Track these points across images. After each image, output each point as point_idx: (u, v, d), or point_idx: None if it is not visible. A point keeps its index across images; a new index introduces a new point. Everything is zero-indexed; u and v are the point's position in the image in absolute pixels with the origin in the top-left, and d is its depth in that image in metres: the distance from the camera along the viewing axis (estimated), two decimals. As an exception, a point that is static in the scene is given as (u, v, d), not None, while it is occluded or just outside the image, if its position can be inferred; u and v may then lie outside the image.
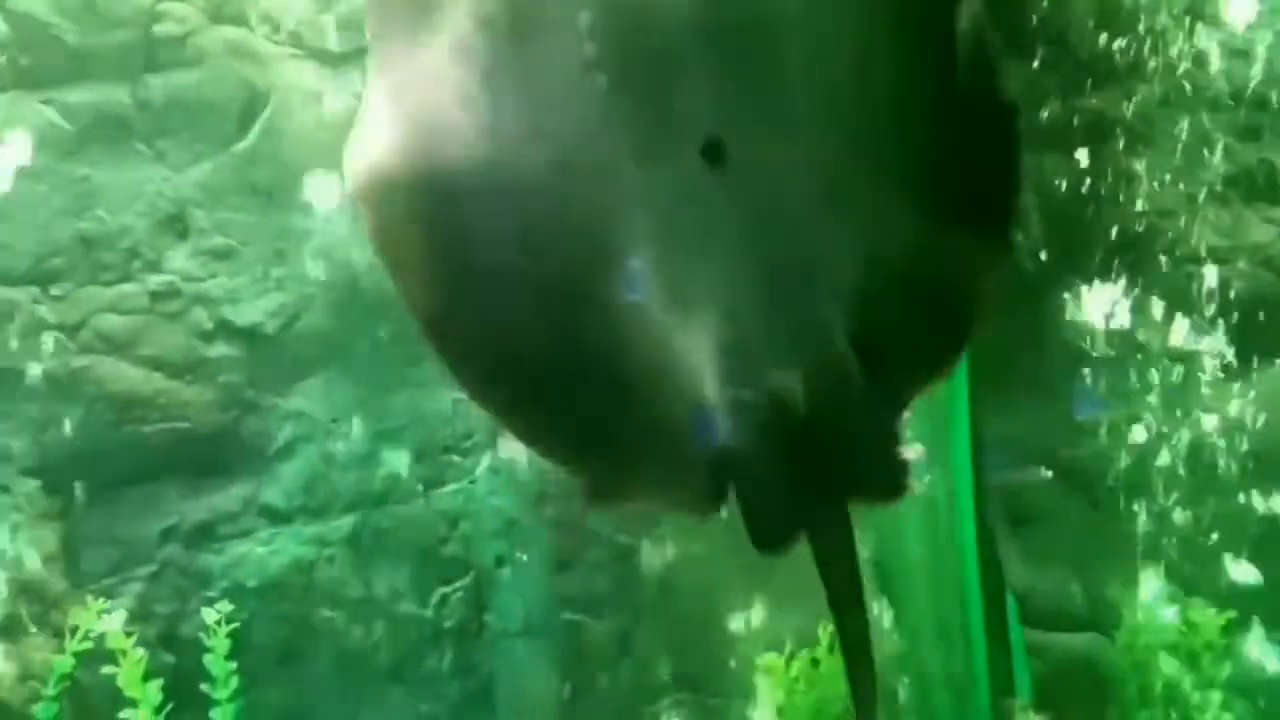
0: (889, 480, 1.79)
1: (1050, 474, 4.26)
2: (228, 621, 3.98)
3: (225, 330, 4.55)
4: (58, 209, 4.42)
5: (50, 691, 3.99)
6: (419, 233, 1.57)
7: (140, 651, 3.90)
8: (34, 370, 4.35)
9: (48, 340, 4.37)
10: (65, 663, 3.98)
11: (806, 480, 1.76)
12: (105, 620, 3.97)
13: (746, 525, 1.85)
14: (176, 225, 4.56)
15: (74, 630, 4.08)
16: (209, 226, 4.57)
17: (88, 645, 3.98)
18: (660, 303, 1.60)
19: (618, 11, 1.44)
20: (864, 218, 1.60)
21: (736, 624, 4.44)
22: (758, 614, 4.46)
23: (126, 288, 4.50)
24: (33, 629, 4.33)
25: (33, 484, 4.37)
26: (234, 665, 3.98)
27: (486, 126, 1.55)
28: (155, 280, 4.51)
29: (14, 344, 4.38)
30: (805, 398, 1.68)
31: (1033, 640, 4.33)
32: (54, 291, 4.42)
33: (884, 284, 1.64)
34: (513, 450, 4.59)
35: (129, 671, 3.85)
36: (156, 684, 3.90)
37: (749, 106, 1.49)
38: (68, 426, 4.37)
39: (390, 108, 1.55)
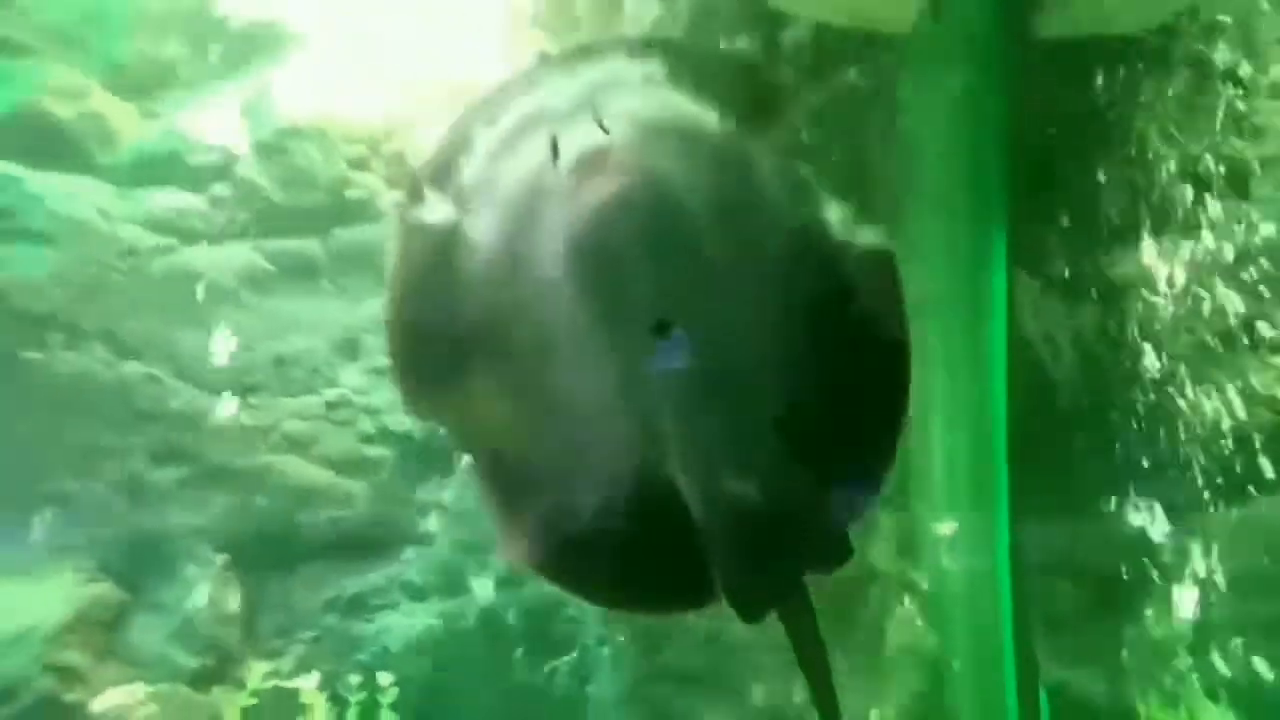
0: (834, 554, 1.95)
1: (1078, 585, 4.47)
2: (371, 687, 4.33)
3: (383, 435, 4.94)
4: (259, 334, 4.90)
5: (223, 739, 4.34)
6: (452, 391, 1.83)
7: (328, 705, 4.23)
8: (232, 465, 4.76)
9: (245, 440, 4.79)
10: (233, 716, 4.36)
11: (769, 565, 1.93)
12: (301, 680, 4.31)
13: (731, 605, 1.94)
14: (350, 348, 5.01)
15: (241, 686, 4.50)
16: (375, 349, 4.97)
17: (254, 701, 4.35)
18: (637, 436, 1.82)
19: (587, 243, 1.72)
20: (784, 368, 1.84)
21: (801, 700, 4.67)
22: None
23: (309, 399, 4.93)
24: (217, 681, 4.61)
25: (223, 558, 4.73)
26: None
27: (502, 324, 1.79)
28: (331, 393, 4.95)
29: (212, 448, 4.78)
30: (762, 503, 1.87)
31: (1062, 733, 4.53)
32: (251, 400, 4.86)
33: (807, 412, 1.85)
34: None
35: None
36: None
37: (688, 299, 1.77)
38: (254, 511, 4.75)
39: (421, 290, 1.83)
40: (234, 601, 4.72)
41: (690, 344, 1.72)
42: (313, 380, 4.94)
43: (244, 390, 4.87)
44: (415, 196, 1.80)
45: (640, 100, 1.78)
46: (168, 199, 4.86)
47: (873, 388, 1.90)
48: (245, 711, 4.34)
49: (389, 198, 5.03)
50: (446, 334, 1.80)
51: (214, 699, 4.53)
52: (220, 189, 4.93)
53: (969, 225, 4.46)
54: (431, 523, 4.89)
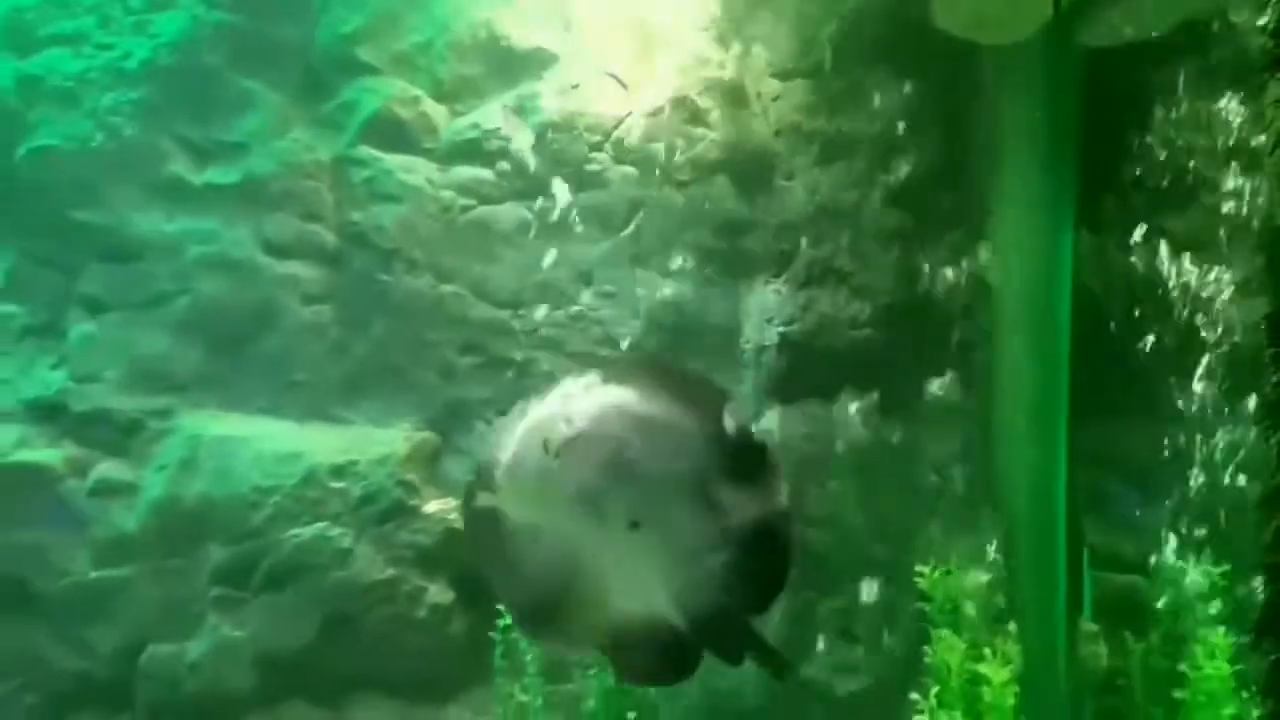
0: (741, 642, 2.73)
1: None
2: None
3: (608, 340, 5.88)
4: (526, 266, 5.92)
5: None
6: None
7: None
8: (508, 356, 5.85)
9: (515, 339, 5.90)
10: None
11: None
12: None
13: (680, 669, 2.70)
14: (586, 277, 5.98)
15: None
16: (603, 279, 5.94)
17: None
18: (628, 580, 2.67)
19: (573, 489, 2.60)
20: (706, 525, 2.65)
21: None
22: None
23: (557, 312, 5.91)
24: None
25: (500, 419, 5.84)
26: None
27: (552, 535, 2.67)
28: (573, 309, 5.92)
29: (497, 344, 5.94)
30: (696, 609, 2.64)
31: (1097, 577, 5.16)
32: (521, 312, 5.93)
33: (723, 548, 2.64)
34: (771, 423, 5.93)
35: None
36: None
37: (647, 511, 2.63)
38: (522, 388, 5.25)
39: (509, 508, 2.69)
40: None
41: (652, 534, 2.68)
42: (560, 299, 5.94)
43: (517, 304, 5.96)
44: (471, 493, 2.86)
45: (587, 402, 2.71)
46: (469, 172, 5.97)
47: (763, 530, 2.70)
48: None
49: (615, 172, 5.94)
50: (503, 549, 2.78)
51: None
52: (503, 165, 5.98)
53: (1047, 194, 5.19)
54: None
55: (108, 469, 5.63)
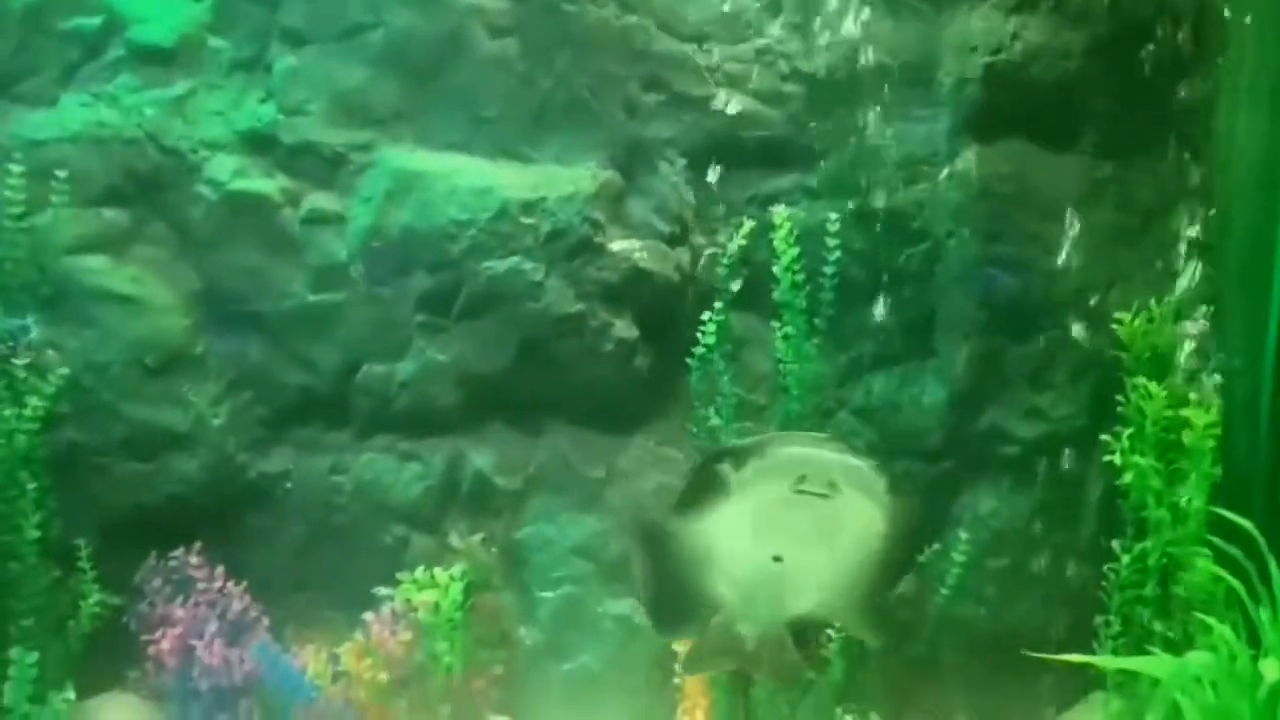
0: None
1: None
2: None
3: (796, 75, 5.63)
4: (740, 34, 5.68)
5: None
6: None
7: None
8: (691, 94, 5.62)
9: (700, 75, 5.61)
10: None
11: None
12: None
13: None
14: (775, 7, 5.62)
15: (692, 248, 5.69)
16: (792, 8, 5.60)
17: (745, 242, 5.23)
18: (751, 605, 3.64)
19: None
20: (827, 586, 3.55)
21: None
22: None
23: (743, 46, 5.63)
24: (679, 244, 5.75)
25: (683, 161, 5.71)
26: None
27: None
28: (760, 41, 5.62)
29: (680, 80, 5.66)
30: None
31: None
32: (705, 46, 5.62)
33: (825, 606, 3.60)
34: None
35: None
36: None
37: (792, 550, 3.43)
38: (705, 127, 5.64)
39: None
40: (689, 193, 5.75)
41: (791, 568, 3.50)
42: (746, 32, 5.63)
43: (701, 38, 5.62)
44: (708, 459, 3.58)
45: (852, 475, 3.33)
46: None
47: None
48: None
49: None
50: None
51: (677, 254, 5.69)
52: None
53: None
54: (825, 142, 5.60)
55: (318, 199, 5.76)
